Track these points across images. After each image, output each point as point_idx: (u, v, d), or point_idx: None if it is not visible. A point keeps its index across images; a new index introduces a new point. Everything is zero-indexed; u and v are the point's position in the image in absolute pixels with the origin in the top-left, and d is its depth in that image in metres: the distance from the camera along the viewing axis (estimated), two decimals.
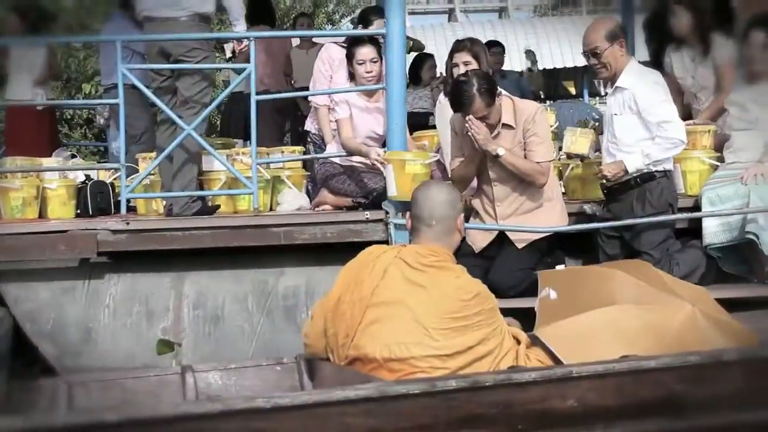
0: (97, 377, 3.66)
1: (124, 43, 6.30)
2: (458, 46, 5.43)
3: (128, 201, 6.37)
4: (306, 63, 8.44)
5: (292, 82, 8.46)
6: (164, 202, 5.72)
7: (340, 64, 6.10)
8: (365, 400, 2.43)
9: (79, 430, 2.12)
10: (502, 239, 4.90)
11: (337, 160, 5.54)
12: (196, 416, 2.29)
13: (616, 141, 4.97)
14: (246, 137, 7.89)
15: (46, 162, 6.16)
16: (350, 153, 5.48)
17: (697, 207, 5.11)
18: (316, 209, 5.67)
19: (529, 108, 4.94)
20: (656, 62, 8.22)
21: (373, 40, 5.61)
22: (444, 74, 5.70)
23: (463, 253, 4.93)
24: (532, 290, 4.39)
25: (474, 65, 5.37)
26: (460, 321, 3.21)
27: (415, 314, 3.20)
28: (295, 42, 8.84)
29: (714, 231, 4.89)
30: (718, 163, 5.27)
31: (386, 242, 5.15)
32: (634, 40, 8.49)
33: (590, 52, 4.97)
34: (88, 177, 6.21)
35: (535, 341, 3.49)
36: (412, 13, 36.30)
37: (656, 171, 4.88)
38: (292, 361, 3.69)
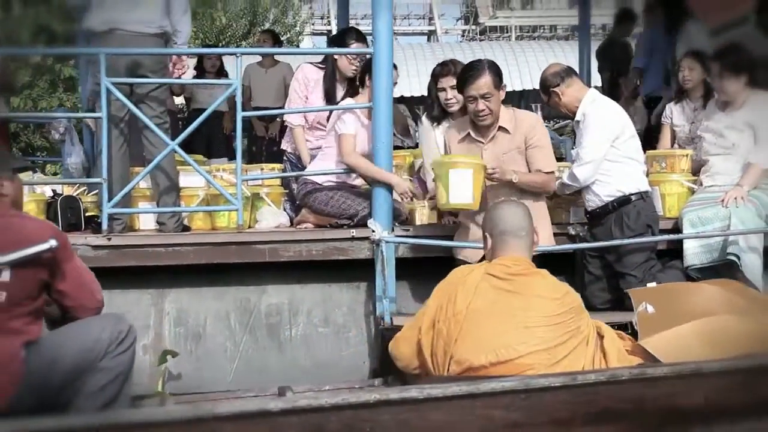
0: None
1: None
2: (443, 70, 5.48)
3: (96, 218, 6.31)
4: (266, 81, 8.48)
5: (250, 100, 8.44)
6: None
7: (316, 84, 6.11)
8: (510, 392, 2.48)
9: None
10: None
11: (318, 179, 5.51)
12: (356, 405, 2.35)
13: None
14: (208, 155, 7.86)
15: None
16: (353, 171, 5.39)
17: (676, 229, 5.25)
18: (297, 227, 5.64)
19: (530, 118, 4.99)
20: (610, 88, 8.52)
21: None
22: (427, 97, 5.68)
23: (456, 266, 4.99)
24: None
25: None
26: (555, 318, 3.43)
27: (514, 318, 3.40)
28: (256, 59, 8.80)
29: (695, 252, 5.03)
30: (696, 187, 5.42)
31: (372, 261, 5.19)
32: (590, 66, 8.76)
33: (544, 90, 5.22)
34: (55, 192, 6.09)
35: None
36: None
37: (632, 194, 5.01)
38: (382, 383, 4.03)
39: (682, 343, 3.62)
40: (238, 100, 5.43)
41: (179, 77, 5.75)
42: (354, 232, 5.27)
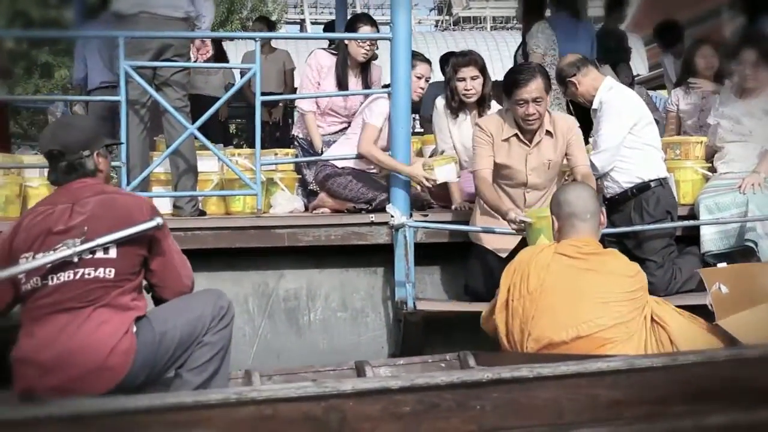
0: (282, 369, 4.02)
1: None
2: (463, 60, 5.50)
3: None
4: (265, 67, 8.42)
5: (249, 86, 8.40)
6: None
7: (329, 71, 6.10)
8: (614, 372, 2.52)
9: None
10: (523, 243, 4.97)
11: (337, 163, 5.52)
12: (470, 384, 2.40)
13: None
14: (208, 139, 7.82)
15: (27, 159, 5.96)
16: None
17: (692, 215, 5.32)
18: (314, 212, 5.65)
19: (569, 120, 5.02)
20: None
21: None
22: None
23: (474, 252, 5.03)
24: None
25: (481, 79, 5.47)
26: (629, 294, 3.54)
27: (592, 294, 3.48)
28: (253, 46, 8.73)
29: (712, 238, 5.10)
30: (710, 174, 5.49)
31: (391, 246, 5.21)
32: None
33: (560, 80, 5.33)
34: None
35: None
36: (315, 22, 36.45)
37: (651, 181, 5.08)
38: (454, 358, 4.00)
39: (762, 324, 3.67)
40: (257, 84, 5.43)
41: (203, 62, 5.74)
42: (373, 217, 5.28)
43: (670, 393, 2.51)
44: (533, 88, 4.70)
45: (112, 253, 3.33)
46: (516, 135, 4.87)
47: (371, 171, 5.56)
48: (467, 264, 5.12)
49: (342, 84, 6.04)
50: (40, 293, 3.30)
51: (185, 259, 3.66)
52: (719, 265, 4.36)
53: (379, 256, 5.36)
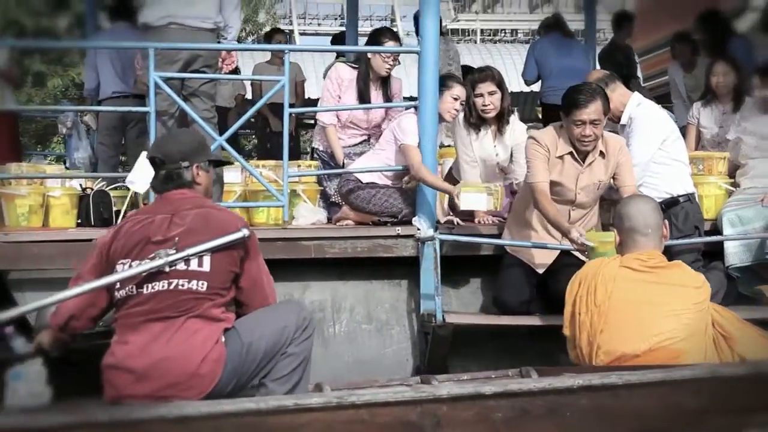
0: (350, 383, 3.94)
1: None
2: (481, 75, 5.55)
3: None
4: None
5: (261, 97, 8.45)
6: None
7: (350, 84, 6.13)
8: (698, 380, 2.57)
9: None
10: (563, 256, 5.00)
11: (361, 177, 5.54)
12: (561, 390, 2.43)
13: None
14: None
15: (49, 169, 5.96)
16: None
17: (715, 229, 5.38)
18: (337, 224, 5.67)
19: (618, 140, 5.02)
20: None
21: None
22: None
23: (507, 264, 5.06)
24: None
25: (498, 94, 5.51)
26: (699, 306, 3.57)
27: (662, 307, 3.51)
28: (265, 58, 8.81)
29: (735, 252, 5.17)
30: (733, 188, 5.56)
31: (416, 258, 5.24)
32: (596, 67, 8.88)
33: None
34: (81, 187, 6.05)
35: None
36: (304, 33, 36.49)
37: (680, 196, 5.13)
38: (516, 374, 3.91)
39: None
40: (286, 97, 5.47)
41: (228, 72, 5.77)
42: (399, 230, 5.30)
43: (753, 402, 2.54)
44: (592, 110, 4.68)
45: (206, 266, 3.40)
46: (571, 153, 4.87)
47: (395, 186, 5.58)
48: (499, 276, 5.14)
49: (364, 97, 6.06)
50: (134, 301, 3.39)
51: (272, 280, 3.74)
52: None
53: (403, 268, 5.39)
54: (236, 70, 8.60)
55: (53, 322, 3.57)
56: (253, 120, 8.67)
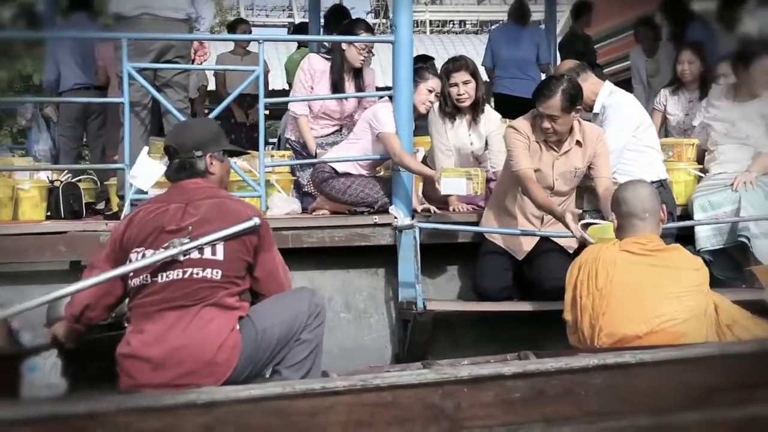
0: (356, 370, 3.93)
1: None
2: (456, 65, 5.58)
3: (93, 204, 6.22)
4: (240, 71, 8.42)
5: (225, 87, 8.42)
6: None
7: (322, 75, 6.12)
8: (708, 358, 2.63)
9: None
10: (541, 242, 5.08)
11: (336, 166, 5.54)
12: (577, 370, 2.48)
13: None
14: None
15: (17, 162, 5.87)
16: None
17: (686, 214, 5.48)
18: (313, 214, 5.66)
19: (596, 130, 5.09)
20: None
21: None
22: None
23: (486, 250, 5.10)
24: None
25: (473, 84, 5.55)
26: (698, 287, 3.64)
27: (663, 289, 3.56)
28: (228, 48, 8.75)
29: (706, 235, 5.27)
30: (702, 174, 5.66)
31: (393, 247, 5.27)
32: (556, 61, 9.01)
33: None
34: (50, 180, 5.97)
35: None
36: (254, 25, 36.24)
37: (653, 182, 5.19)
38: (515, 357, 3.98)
39: None
40: (261, 86, 5.43)
41: (200, 63, 5.73)
42: (377, 219, 5.32)
43: (759, 379, 2.61)
44: (549, 105, 4.78)
45: (219, 254, 3.40)
46: (545, 140, 4.95)
47: (370, 175, 5.60)
48: (477, 263, 5.18)
49: (337, 88, 6.06)
50: (149, 290, 3.38)
51: (287, 270, 3.73)
52: None
53: (380, 257, 5.41)
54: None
55: (68, 312, 3.54)
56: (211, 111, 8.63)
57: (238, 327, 3.41)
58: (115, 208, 5.72)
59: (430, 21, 37.66)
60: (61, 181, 5.83)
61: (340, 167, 5.53)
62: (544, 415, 2.37)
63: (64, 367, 3.59)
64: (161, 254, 3.34)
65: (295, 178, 6.05)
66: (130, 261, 3.43)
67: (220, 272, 3.39)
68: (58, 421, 2.01)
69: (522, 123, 5.02)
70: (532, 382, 2.37)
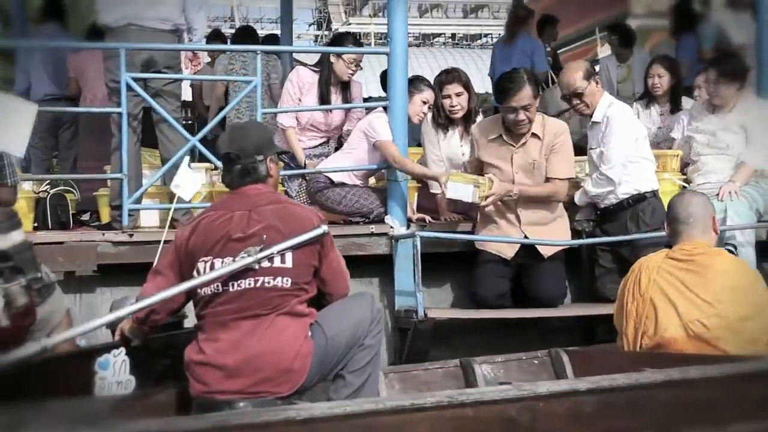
0: (396, 368, 4.17)
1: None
2: (449, 77, 5.69)
3: (78, 215, 6.16)
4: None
5: (201, 98, 8.40)
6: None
7: (310, 87, 6.15)
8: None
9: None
10: (527, 249, 5.20)
11: (332, 176, 5.59)
12: (644, 386, 2.53)
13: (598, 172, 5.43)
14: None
15: None
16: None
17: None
18: None
19: (559, 126, 5.25)
20: None
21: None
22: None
23: (484, 260, 5.19)
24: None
25: (465, 95, 5.65)
26: (740, 292, 3.64)
27: (700, 294, 3.61)
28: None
29: None
30: (686, 185, 5.83)
31: (389, 256, 5.32)
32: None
33: (572, 94, 5.39)
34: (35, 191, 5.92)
35: None
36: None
37: (647, 192, 5.37)
38: (545, 355, 4.18)
39: None
40: (258, 98, 5.45)
41: (194, 73, 5.73)
42: (373, 228, 5.38)
43: None
44: (523, 95, 4.97)
45: (288, 262, 3.43)
46: (500, 136, 5.15)
47: (365, 185, 5.66)
48: (475, 272, 5.26)
49: (325, 100, 6.10)
50: (221, 299, 3.40)
51: (346, 269, 3.78)
52: None
53: (373, 266, 5.46)
54: None
55: (134, 316, 3.56)
56: (191, 122, 8.61)
57: (309, 334, 3.46)
58: (106, 219, 5.68)
59: (375, 34, 37.84)
60: (48, 192, 5.78)
61: (336, 177, 5.58)
62: (612, 429, 2.45)
63: (132, 364, 3.61)
64: (238, 263, 3.36)
65: (284, 189, 6.06)
66: (198, 270, 3.46)
67: (289, 280, 3.43)
68: None
69: (480, 125, 5.33)
70: (603, 397, 2.44)
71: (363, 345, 3.58)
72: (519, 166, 5.12)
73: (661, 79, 6.48)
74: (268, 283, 3.41)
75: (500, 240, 5.17)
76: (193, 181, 4.47)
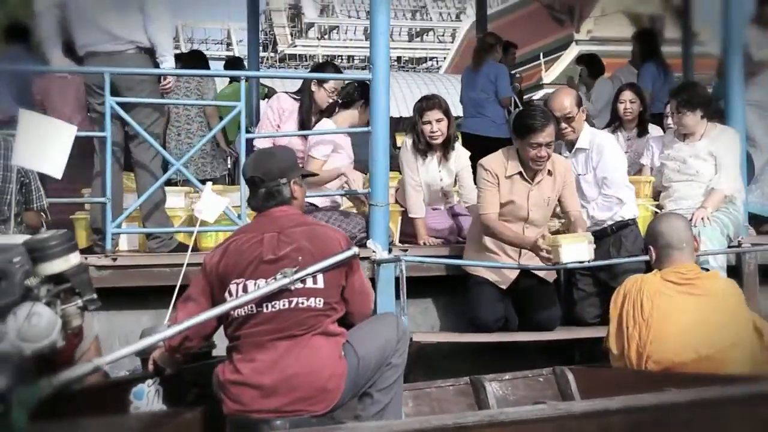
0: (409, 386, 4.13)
1: None
2: (429, 104, 5.77)
3: None
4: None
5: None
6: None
7: (290, 114, 6.25)
8: None
9: None
10: (523, 274, 5.28)
11: (316, 201, 5.64)
12: (669, 406, 2.69)
13: (585, 198, 5.55)
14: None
15: None
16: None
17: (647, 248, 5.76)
18: None
19: (564, 162, 5.36)
20: None
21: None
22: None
23: (475, 282, 5.25)
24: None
25: (445, 122, 5.74)
26: (736, 314, 3.83)
27: (707, 317, 3.75)
28: None
29: None
30: (659, 210, 5.98)
31: (372, 279, 5.36)
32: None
33: (563, 118, 5.49)
34: None
35: None
36: None
37: (629, 219, 5.52)
38: (550, 373, 4.28)
39: None
40: (242, 122, 5.48)
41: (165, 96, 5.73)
42: (356, 251, 5.40)
43: None
44: (548, 133, 5.02)
45: (320, 283, 3.50)
46: (520, 173, 5.18)
47: (341, 209, 5.72)
48: (470, 296, 5.33)
49: (305, 128, 6.18)
50: (256, 320, 3.46)
51: (371, 289, 3.89)
52: None
53: None
54: None
55: (167, 344, 3.60)
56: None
57: (342, 353, 3.52)
58: (84, 243, 5.63)
59: (321, 56, 37.96)
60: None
61: (318, 201, 5.63)
62: None
63: (164, 394, 3.67)
64: (275, 284, 3.42)
65: None
66: (230, 292, 3.51)
67: (322, 300, 3.50)
68: None
69: (493, 162, 5.25)
70: (630, 416, 2.54)
71: (390, 364, 3.66)
72: (534, 203, 5.20)
73: (633, 105, 6.67)
74: (302, 303, 3.48)
75: (489, 265, 5.23)
76: (216, 205, 4.52)
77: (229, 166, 8.40)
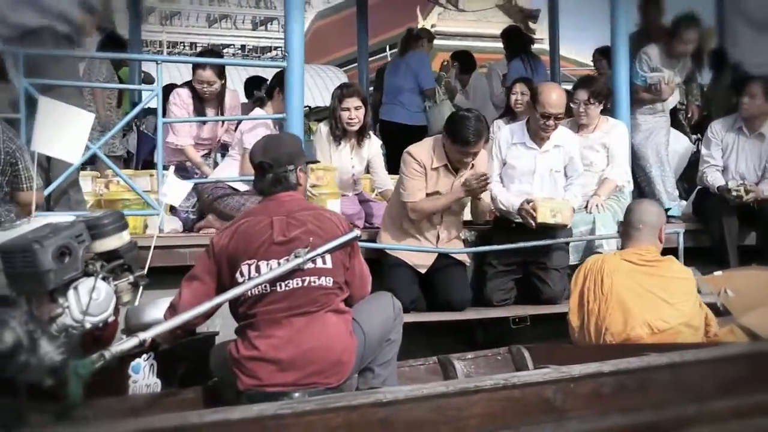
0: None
1: None
2: (349, 91, 5.92)
3: None
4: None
5: None
6: None
7: (191, 106, 6.33)
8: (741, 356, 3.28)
9: None
10: (439, 258, 5.49)
11: (233, 184, 5.69)
12: (650, 368, 2.96)
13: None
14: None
15: None
16: None
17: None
18: (201, 232, 5.74)
19: (483, 155, 5.58)
20: None
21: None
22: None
23: (392, 264, 5.44)
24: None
25: (363, 110, 5.90)
26: (691, 296, 4.12)
27: (662, 296, 4.04)
28: None
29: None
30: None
31: None
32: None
33: (555, 115, 5.68)
34: None
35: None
36: None
37: None
38: (506, 352, 4.51)
39: None
40: (158, 106, 5.46)
41: None
42: None
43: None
44: (479, 146, 5.33)
45: (329, 263, 3.62)
46: (445, 165, 5.39)
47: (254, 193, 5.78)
48: (387, 278, 5.42)
49: (200, 115, 6.32)
50: (269, 298, 3.55)
51: (369, 272, 3.96)
52: (715, 273, 5.12)
53: None
54: None
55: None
56: None
57: (352, 329, 3.66)
58: None
59: (168, 42, 37.24)
60: None
61: (239, 185, 5.68)
62: (622, 407, 2.86)
63: (159, 368, 3.76)
64: (290, 264, 3.51)
65: None
66: (242, 272, 3.58)
67: (331, 279, 3.63)
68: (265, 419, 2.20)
69: (421, 152, 5.42)
70: (619, 378, 2.82)
71: (389, 340, 3.84)
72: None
73: (524, 97, 6.99)
74: (314, 282, 3.59)
75: (406, 249, 5.41)
76: (180, 189, 4.54)
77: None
